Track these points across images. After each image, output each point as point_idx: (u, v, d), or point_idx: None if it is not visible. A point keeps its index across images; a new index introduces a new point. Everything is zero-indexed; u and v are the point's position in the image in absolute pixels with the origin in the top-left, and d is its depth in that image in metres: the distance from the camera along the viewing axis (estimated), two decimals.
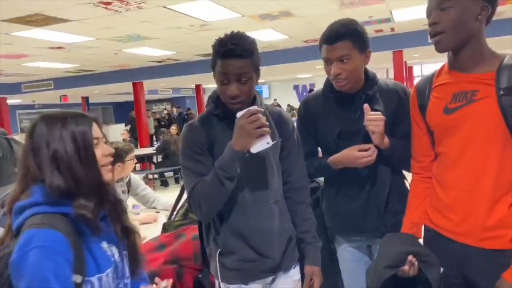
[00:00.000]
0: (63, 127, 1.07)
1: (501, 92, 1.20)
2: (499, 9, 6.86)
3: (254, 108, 1.33)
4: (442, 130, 1.34)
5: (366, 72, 1.63)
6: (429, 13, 1.31)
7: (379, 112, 1.52)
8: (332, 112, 1.63)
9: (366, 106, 1.52)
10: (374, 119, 1.49)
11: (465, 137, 1.27)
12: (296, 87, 19.94)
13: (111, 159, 1.17)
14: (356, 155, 1.55)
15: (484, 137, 1.25)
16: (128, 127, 12.32)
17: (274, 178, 1.50)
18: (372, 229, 1.66)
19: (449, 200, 1.34)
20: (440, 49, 1.30)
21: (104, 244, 1.12)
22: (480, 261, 1.29)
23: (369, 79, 1.62)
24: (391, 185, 1.64)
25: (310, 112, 1.67)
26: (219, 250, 1.48)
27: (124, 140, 9.00)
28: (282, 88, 19.90)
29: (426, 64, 16.37)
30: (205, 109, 1.53)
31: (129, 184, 2.96)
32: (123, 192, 2.87)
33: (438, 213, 1.38)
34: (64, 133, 1.06)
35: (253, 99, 1.47)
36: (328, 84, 1.66)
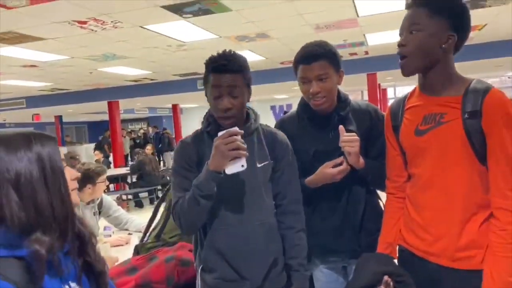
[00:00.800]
0: (27, 149, 0.92)
1: (466, 115, 1.24)
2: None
3: (234, 129, 1.34)
4: (414, 151, 1.37)
5: (338, 93, 1.65)
6: (401, 33, 1.35)
7: (353, 133, 1.54)
8: (306, 133, 1.65)
9: (341, 127, 1.53)
10: (349, 140, 1.51)
11: (436, 159, 1.30)
12: (273, 108, 20.13)
13: (76, 184, 1.11)
14: (332, 172, 1.56)
15: (453, 159, 1.28)
16: (96, 147, 12.11)
17: (261, 199, 1.49)
18: (347, 249, 1.66)
19: (422, 220, 1.35)
20: (404, 74, 1.35)
21: (68, 286, 0.95)
22: (453, 282, 1.29)
23: (342, 100, 1.65)
24: (366, 205, 1.66)
25: (285, 134, 1.67)
26: (202, 265, 1.50)
27: (97, 161, 8.81)
28: (259, 108, 19.54)
29: (400, 86, 16.86)
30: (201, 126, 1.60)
31: (100, 205, 2.89)
32: (94, 214, 2.80)
33: (412, 233, 1.39)
34: (28, 156, 0.92)
35: (246, 116, 1.52)
36: (302, 105, 1.68)
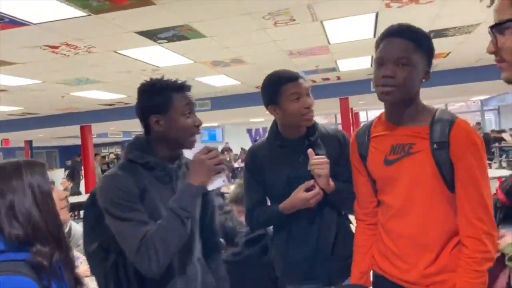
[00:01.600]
0: (18, 178, 1.07)
1: (435, 146, 1.28)
2: (434, 61, 7.50)
3: (212, 145, 1.35)
4: (384, 180, 1.40)
5: None
6: (383, 63, 1.32)
7: (323, 156, 1.57)
8: (278, 159, 1.66)
9: (310, 151, 1.57)
10: (319, 162, 1.54)
11: (407, 188, 1.33)
12: (249, 131, 20.22)
13: (66, 203, 1.20)
14: (306, 196, 1.57)
15: (424, 188, 1.30)
16: (66, 172, 11.78)
17: (197, 233, 1.48)
18: (321, 276, 1.66)
19: (397, 249, 1.37)
20: (387, 100, 1.34)
21: None
22: None
23: (311, 125, 1.68)
24: (338, 230, 1.67)
25: (257, 161, 1.69)
26: None
27: (65, 189, 8.54)
28: (235, 132, 20.09)
29: (371, 110, 17.29)
30: (126, 157, 1.42)
31: (69, 234, 2.80)
32: None
33: (386, 260, 1.41)
34: (20, 185, 1.07)
35: None
36: (274, 133, 1.70)
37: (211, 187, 1.34)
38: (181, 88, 1.41)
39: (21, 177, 1.08)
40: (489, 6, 0.85)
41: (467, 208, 1.26)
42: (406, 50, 1.30)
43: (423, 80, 1.35)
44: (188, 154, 1.38)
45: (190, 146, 1.41)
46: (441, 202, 1.30)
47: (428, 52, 1.35)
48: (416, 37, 1.34)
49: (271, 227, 1.86)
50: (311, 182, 1.58)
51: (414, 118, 1.34)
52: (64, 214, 1.16)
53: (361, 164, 1.47)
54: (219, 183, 1.34)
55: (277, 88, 1.61)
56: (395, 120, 1.37)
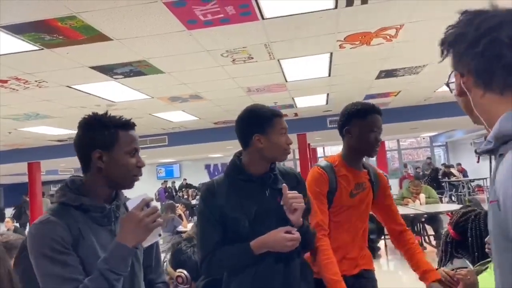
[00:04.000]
0: None
1: (373, 183, 2.03)
2: (385, 100, 7.89)
3: (149, 197, 1.25)
4: (346, 208, 1.95)
5: None
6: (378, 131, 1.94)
7: (295, 191, 1.56)
8: (243, 194, 1.61)
9: (284, 185, 1.55)
10: (295, 196, 1.54)
11: (361, 211, 1.99)
12: (207, 166, 20.04)
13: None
14: (285, 237, 1.52)
15: (367, 211, 2.03)
16: (12, 213, 11.06)
17: (141, 276, 1.41)
18: None
19: (346, 254, 1.97)
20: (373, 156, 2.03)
21: None
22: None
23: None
24: (301, 266, 1.67)
25: (217, 198, 1.61)
26: None
27: (7, 230, 7.95)
28: (194, 168, 19.84)
29: (328, 146, 17.74)
30: (58, 200, 1.33)
31: None
32: None
33: (339, 262, 1.93)
34: None
35: None
36: (235, 167, 1.66)
37: (146, 243, 1.24)
38: (127, 125, 1.36)
39: None
40: (439, 62, 0.92)
41: (397, 214, 2.14)
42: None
43: None
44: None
45: (130, 186, 1.36)
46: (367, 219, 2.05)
47: None
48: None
49: None
50: (290, 228, 1.54)
51: (360, 166, 2.04)
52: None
53: (326, 195, 1.91)
54: (155, 238, 1.26)
55: (269, 119, 1.63)
56: (354, 166, 2.00)
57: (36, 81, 4.50)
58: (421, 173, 14.37)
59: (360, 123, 1.90)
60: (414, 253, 2.04)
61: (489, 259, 1.82)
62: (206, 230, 1.60)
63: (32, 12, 2.87)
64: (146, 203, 1.22)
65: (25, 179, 11.12)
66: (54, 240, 1.20)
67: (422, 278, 1.96)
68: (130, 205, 1.24)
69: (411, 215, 6.29)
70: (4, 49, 3.49)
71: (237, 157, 1.70)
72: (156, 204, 1.27)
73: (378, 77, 5.86)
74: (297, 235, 1.53)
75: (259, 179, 1.63)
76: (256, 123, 1.64)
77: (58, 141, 9.45)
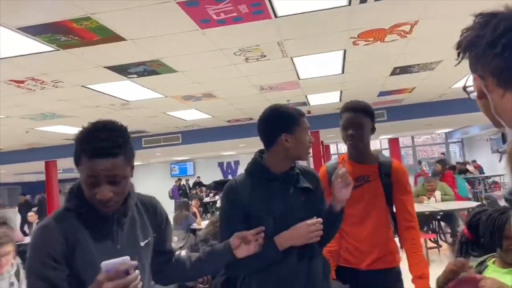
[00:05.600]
0: None
1: (383, 175, 2.07)
2: (399, 96, 7.80)
3: (129, 263, 1.09)
4: (351, 200, 1.83)
5: None
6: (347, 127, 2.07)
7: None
8: (266, 194, 1.61)
9: (341, 168, 1.63)
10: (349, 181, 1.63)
11: (366, 204, 2.05)
12: (220, 164, 20.10)
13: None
14: (309, 228, 1.54)
15: (376, 203, 2.06)
16: (36, 209, 11.28)
17: (145, 282, 1.36)
18: None
19: (358, 245, 2.06)
20: (357, 147, 2.12)
21: None
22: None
23: None
24: (323, 265, 1.70)
25: (240, 198, 1.60)
26: None
27: (31, 222, 8.14)
28: (207, 165, 19.93)
29: (341, 142, 17.64)
30: (64, 205, 1.33)
31: (18, 274, 2.64)
32: (11, 285, 2.60)
33: (350, 254, 2.08)
34: None
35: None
36: (258, 166, 1.66)
37: None
38: (89, 153, 1.22)
39: None
40: (456, 65, 0.92)
41: (406, 210, 2.09)
42: (359, 118, 2.07)
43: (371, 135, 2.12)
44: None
45: (106, 213, 1.29)
46: (384, 212, 2.09)
47: (372, 116, 2.09)
48: (363, 109, 2.08)
49: None
50: (320, 220, 1.56)
51: (367, 159, 2.12)
52: None
53: (329, 190, 1.88)
54: None
55: (296, 118, 1.65)
56: (357, 160, 2.11)
57: (52, 81, 4.57)
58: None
59: (340, 123, 2.12)
60: (411, 254, 2.05)
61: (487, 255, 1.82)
62: (229, 229, 1.59)
63: (48, 14, 2.92)
64: (118, 272, 1.07)
65: (43, 177, 11.33)
66: (46, 252, 1.20)
67: (412, 281, 2.02)
68: (107, 267, 1.08)
69: (426, 212, 6.22)
70: (21, 51, 3.55)
71: (259, 155, 1.70)
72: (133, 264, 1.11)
73: (392, 74, 5.80)
74: (319, 223, 1.55)
75: (282, 177, 1.64)
76: (283, 122, 1.65)
77: (74, 140, 9.59)
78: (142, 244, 1.37)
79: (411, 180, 10.59)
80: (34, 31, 3.17)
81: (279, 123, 1.64)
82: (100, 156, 1.21)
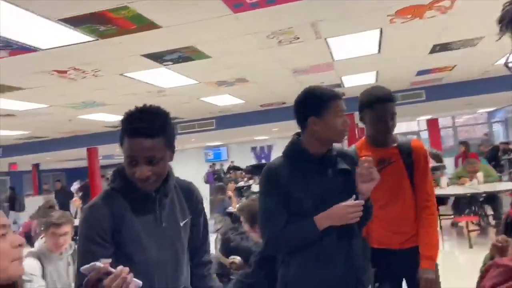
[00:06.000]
0: None
1: (404, 156, 2.05)
2: (439, 75, 7.52)
3: (102, 266, 1.12)
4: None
5: None
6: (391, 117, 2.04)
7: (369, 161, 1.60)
8: (305, 176, 1.62)
9: (364, 157, 1.62)
10: (372, 167, 1.60)
11: (391, 185, 2.02)
12: (253, 149, 20.19)
13: (20, 253, 0.94)
14: (348, 209, 1.55)
15: (400, 184, 2.06)
16: (80, 194, 11.80)
17: (185, 260, 1.44)
18: None
19: (388, 227, 2.08)
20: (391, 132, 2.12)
21: None
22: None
23: None
24: (363, 251, 1.70)
25: (280, 180, 1.62)
26: None
27: (76, 206, 8.53)
28: (240, 150, 20.07)
29: None
30: (110, 185, 1.42)
31: (74, 255, 2.79)
32: (68, 265, 2.76)
33: (380, 236, 2.10)
34: None
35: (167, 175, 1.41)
36: (296, 148, 1.67)
37: None
38: (129, 133, 1.31)
39: None
40: (497, 40, 0.88)
41: (423, 189, 2.07)
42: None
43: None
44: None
45: (146, 190, 1.36)
46: (409, 191, 2.07)
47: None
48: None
49: None
50: (361, 202, 1.57)
51: (385, 142, 2.10)
52: (15, 267, 0.91)
53: None
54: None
55: (325, 101, 1.63)
56: (375, 144, 2.11)
57: (92, 70, 4.73)
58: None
59: (370, 113, 2.04)
60: (423, 233, 2.04)
61: None
62: (270, 210, 1.62)
63: (87, 5, 3.00)
64: (99, 273, 1.11)
65: (85, 163, 11.81)
66: (94, 230, 1.30)
67: (420, 260, 2.01)
68: (86, 271, 1.13)
69: (468, 194, 6.03)
70: (64, 41, 3.69)
71: (296, 138, 1.70)
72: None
73: (431, 52, 5.59)
74: (359, 205, 1.54)
75: (320, 159, 1.64)
76: (310, 105, 1.64)
77: (113, 127, 9.91)
78: (181, 224, 1.43)
79: (451, 161, 10.30)
80: (74, 22, 3.27)
81: (306, 106, 1.65)
82: (139, 136, 1.29)
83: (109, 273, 1.11)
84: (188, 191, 1.52)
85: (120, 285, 1.10)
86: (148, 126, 1.29)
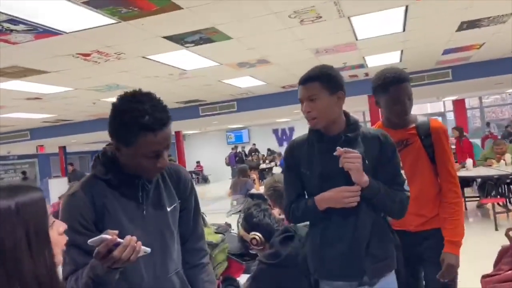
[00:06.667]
0: (8, 211, 0.78)
1: (422, 137, 2.00)
2: (466, 54, 7.28)
3: (110, 238, 1.10)
4: None
5: (347, 116, 1.68)
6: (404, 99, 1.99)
7: (355, 150, 1.55)
8: (314, 155, 1.66)
9: (338, 148, 1.55)
10: (348, 156, 1.54)
11: (410, 166, 1.98)
12: (275, 131, 20.16)
13: (65, 239, 0.94)
14: (344, 193, 1.56)
15: (420, 165, 2.00)
16: None
17: (174, 245, 1.41)
18: (354, 274, 1.62)
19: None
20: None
21: None
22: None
23: (351, 123, 1.66)
24: (374, 229, 1.63)
25: (295, 156, 1.71)
26: None
27: None
28: (261, 132, 20.09)
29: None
30: (92, 172, 1.36)
31: None
32: None
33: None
34: (11, 219, 0.78)
35: None
36: (311, 129, 1.70)
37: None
38: (152, 128, 1.23)
39: (13, 208, 0.79)
40: None
41: (445, 171, 2.00)
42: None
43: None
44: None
45: (150, 179, 1.34)
46: (430, 172, 2.02)
47: None
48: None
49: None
50: (357, 187, 1.56)
51: (402, 124, 2.04)
52: (60, 258, 0.89)
53: None
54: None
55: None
56: (391, 126, 2.04)
57: (115, 53, 4.78)
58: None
59: (385, 96, 1.98)
60: (447, 219, 1.97)
61: None
62: (286, 186, 1.78)
63: None
64: (108, 246, 1.09)
65: None
66: (75, 218, 1.25)
67: (444, 243, 1.96)
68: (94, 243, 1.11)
69: (495, 176, 5.89)
70: (86, 24, 3.73)
71: None
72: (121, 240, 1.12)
73: (459, 29, 5.40)
74: (354, 192, 1.55)
75: (330, 139, 1.63)
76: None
77: None
78: (168, 209, 1.41)
79: (478, 142, 10.04)
80: (97, 4, 3.30)
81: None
82: (163, 127, 1.25)
83: (117, 244, 1.10)
84: (176, 175, 1.48)
85: (131, 254, 1.10)
86: (166, 115, 1.27)
